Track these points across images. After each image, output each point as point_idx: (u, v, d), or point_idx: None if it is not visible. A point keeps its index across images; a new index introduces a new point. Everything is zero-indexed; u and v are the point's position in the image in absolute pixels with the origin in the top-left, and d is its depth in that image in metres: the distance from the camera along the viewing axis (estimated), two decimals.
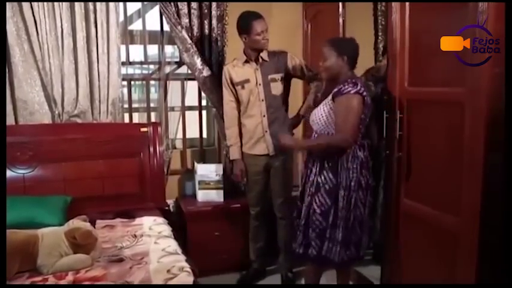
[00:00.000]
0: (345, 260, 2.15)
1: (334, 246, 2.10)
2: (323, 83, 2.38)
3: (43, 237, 1.94)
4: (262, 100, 2.60)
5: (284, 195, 2.71)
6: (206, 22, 2.95)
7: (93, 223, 2.29)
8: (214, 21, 2.96)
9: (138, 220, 2.55)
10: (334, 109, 2.08)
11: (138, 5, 3.12)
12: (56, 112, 2.75)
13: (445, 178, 1.97)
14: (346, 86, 2.03)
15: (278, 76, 2.61)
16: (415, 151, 2.15)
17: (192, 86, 3.20)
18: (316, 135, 2.21)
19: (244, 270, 2.87)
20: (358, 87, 2.02)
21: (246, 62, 2.62)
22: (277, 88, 2.61)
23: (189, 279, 1.79)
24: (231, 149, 2.75)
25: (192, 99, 3.27)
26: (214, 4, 2.95)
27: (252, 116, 2.64)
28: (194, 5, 2.90)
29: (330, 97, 2.11)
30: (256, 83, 2.60)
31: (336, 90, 2.07)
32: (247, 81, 2.61)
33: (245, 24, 2.53)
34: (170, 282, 1.76)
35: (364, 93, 2.04)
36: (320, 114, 2.15)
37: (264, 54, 2.60)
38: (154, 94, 3.39)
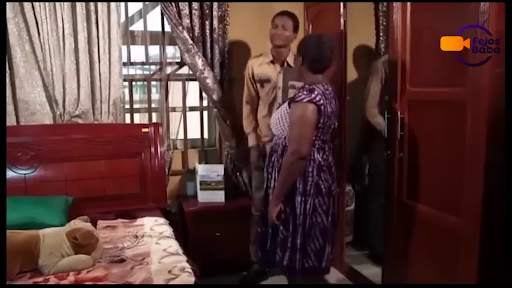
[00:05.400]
0: (305, 268, 2.03)
1: (294, 255, 2.00)
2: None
3: (44, 238, 1.94)
4: (280, 104, 2.60)
5: None
6: (207, 23, 2.95)
7: (94, 223, 2.30)
8: (215, 22, 2.96)
9: (139, 220, 2.55)
10: (289, 116, 1.99)
11: (139, 5, 3.12)
12: (58, 112, 2.76)
13: (446, 178, 1.97)
14: (301, 94, 1.92)
15: (298, 84, 2.58)
16: (416, 151, 2.15)
17: (193, 87, 3.20)
18: (275, 138, 2.13)
19: (246, 270, 2.87)
20: (313, 96, 1.89)
21: (272, 62, 2.63)
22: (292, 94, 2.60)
23: (190, 280, 1.79)
24: (248, 136, 2.79)
25: (193, 99, 3.28)
26: (215, 5, 2.95)
27: (268, 116, 2.60)
28: (195, 5, 2.90)
29: (287, 102, 2.03)
30: (276, 85, 2.59)
31: (292, 96, 1.98)
32: (267, 81, 2.61)
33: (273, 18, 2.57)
34: (171, 283, 1.76)
35: (320, 102, 1.90)
36: (277, 119, 2.08)
37: (290, 59, 2.58)
38: (155, 95, 3.40)
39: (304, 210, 1.98)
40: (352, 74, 3.03)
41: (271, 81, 2.60)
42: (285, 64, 2.60)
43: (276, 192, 2.01)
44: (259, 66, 2.66)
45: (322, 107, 1.91)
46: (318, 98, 1.89)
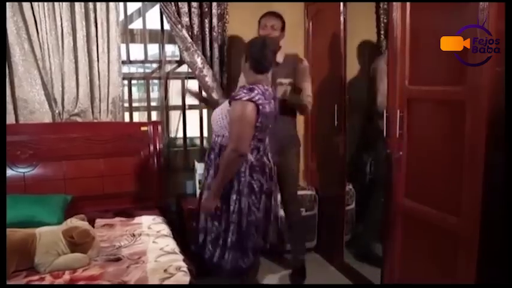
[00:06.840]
0: (242, 267, 2.08)
1: (226, 252, 2.04)
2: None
3: (41, 236, 1.94)
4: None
5: (288, 193, 2.70)
6: (206, 21, 2.94)
7: (92, 222, 2.31)
8: (214, 20, 2.95)
9: (137, 219, 2.55)
10: (229, 114, 2.01)
11: (139, 4, 3.12)
12: (56, 111, 2.76)
13: (445, 177, 1.95)
14: (241, 92, 1.94)
15: (286, 81, 2.59)
16: (415, 150, 2.13)
17: (193, 85, 3.20)
18: (213, 136, 2.15)
19: None
20: (252, 95, 1.91)
21: None
22: (282, 92, 2.58)
23: (185, 279, 1.78)
24: None
25: (192, 98, 3.27)
26: (214, 3, 2.94)
27: None
28: (194, 3, 2.89)
29: (227, 100, 2.05)
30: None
31: (233, 94, 2.01)
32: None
33: (259, 19, 2.57)
34: (166, 282, 1.75)
35: (259, 101, 1.92)
36: (218, 115, 2.09)
37: (279, 57, 2.54)
38: (154, 93, 3.40)
39: (239, 209, 2.03)
40: (352, 73, 3.00)
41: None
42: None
43: (215, 187, 2.03)
44: None
45: (260, 107, 1.93)
46: (257, 98, 1.92)
